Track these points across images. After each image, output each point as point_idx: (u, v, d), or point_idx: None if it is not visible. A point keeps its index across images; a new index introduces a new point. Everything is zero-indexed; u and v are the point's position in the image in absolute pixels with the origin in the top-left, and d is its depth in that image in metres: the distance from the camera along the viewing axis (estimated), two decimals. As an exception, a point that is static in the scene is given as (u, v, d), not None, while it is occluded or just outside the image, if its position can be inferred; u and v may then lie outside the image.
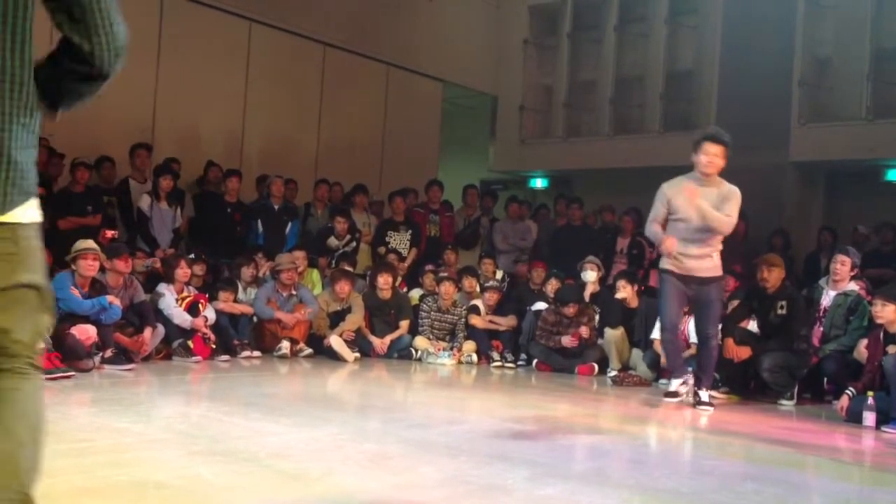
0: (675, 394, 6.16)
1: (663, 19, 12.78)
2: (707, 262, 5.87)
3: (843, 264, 7.08)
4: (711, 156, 5.85)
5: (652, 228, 6.10)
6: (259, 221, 9.33)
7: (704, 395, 6.02)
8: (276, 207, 9.46)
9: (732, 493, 3.56)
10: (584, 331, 8.24)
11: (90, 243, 6.55)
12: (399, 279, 9.30)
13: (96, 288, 6.54)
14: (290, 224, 9.47)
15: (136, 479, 2.99)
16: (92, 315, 6.35)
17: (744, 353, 6.67)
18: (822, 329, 7.05)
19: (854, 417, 5.76)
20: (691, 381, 6.11)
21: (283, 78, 10.97)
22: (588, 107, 13.59)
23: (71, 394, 5.19)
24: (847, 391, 5.95)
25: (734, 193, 5.89)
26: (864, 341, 6.43)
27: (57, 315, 6.10)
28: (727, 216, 5.81)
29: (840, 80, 11.43)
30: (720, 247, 5.92)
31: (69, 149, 8.41)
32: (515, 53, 14.01)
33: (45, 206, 7.91)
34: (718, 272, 5.98)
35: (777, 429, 5.55)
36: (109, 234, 7.82)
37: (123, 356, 6.47)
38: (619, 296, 8.28)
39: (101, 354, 6.33)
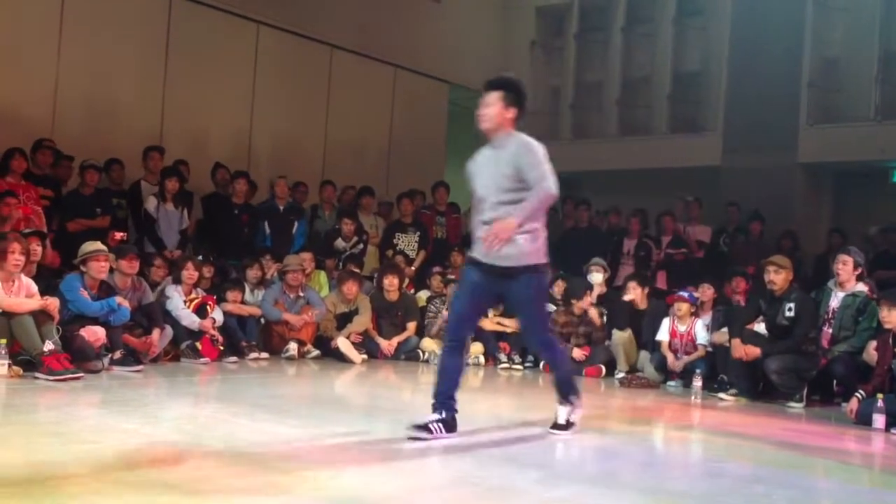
0: (423, 429, 4.19)
1: (670, 20, 12.78)
2: (511, 248, 4.20)
3: (844, 264, 7.05)
4: (482, 107, 4.37)
5: (472, 224, 4.63)
6: (266, 223, 9.35)
7: (562, 413, 4.61)
8: (281, 208, 9.49)
9: (742, 496, 3.54)
10: (595, 315, 8.18)
11: (100, 245, 6.57)
12: (407, 281, 9.30)
13: (105, 290, 6.56)
14: (296, 224, 9.50)
15: (144, 480, 3.00)
16: (101, 317, 6.37)
17: (752, 351, 6.65)
18: (830, 331, 7.02)
19: (864, 420, 5.73)
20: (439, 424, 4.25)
21: (290, 80, 10.99)
22: (595, 108, 13.58)
23: (80, 395, 5.21)
24: (857, 394, 5.93)
25: (527, 151, 4.24)
26: (874, 343, 6.41)
27: (66, 317, 6.13)
28: (538, 187, 4.15)
29: (848, 82, 11.42)
30: (537, 226, 4.29)
31: (78, 151, 8.44)
32: (522, 55, 14.01)
33: (55, 208, 8.03)
34: (527, 260, 4.28)
35: (786, 431, 5.53)
36: (118, 236, 7.84)
37: (132, 357, 6.48)
38: (627, 297, 8.26)
39: (109, 356, 6.35)
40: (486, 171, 4.35)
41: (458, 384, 4.39)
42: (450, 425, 4.27)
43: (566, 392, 4.63)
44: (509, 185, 4.22)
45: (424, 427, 4.18)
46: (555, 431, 4.57)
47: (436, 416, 4.24)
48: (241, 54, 10.50)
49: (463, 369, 4.47)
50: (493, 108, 4.33)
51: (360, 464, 3.65)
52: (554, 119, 14.06)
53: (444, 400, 4.32)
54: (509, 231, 4.09)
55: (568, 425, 4.59)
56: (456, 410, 4.34)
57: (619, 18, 13.28)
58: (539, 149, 4.25)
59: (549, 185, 4.16)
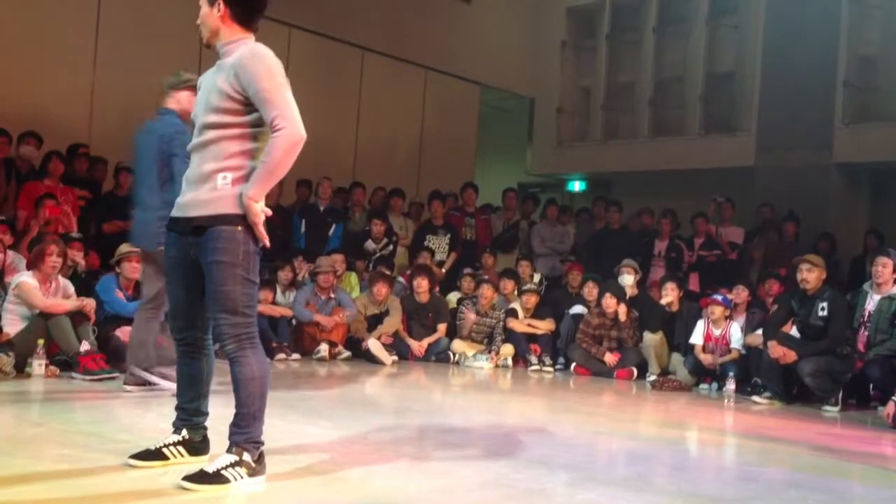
0: (156, 455, 3.30)
1: (704, 19, 12.66)
2: (205, 192, 3.12)
3: (884, 266, 6.95)
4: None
5: None
6: (303, 221, 9.45)
7: (223, 460, 3.09)
8: (321, 208, 9.58)
9: (776, 501, 3.51)
10: (623, 312, 8.11)
11: (133, 246, 6.66)
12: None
13: (140, 290, 6.64)
14: (334, 226, 9.59)
15: (179, 480, 3.03)
16: (136, 317, 6.45)
17: (790, 354, 6.57)
18: (866, 334, 6.91)
19: (901, 424, 5.65)
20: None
21: (322, 82, 11.05)
22: (626, 108, 13.50)
23: (115, 395, 5.27)
24: (893, 398, 5.83)
25: (254, 64, 3.10)
26: (909, 346, 6.31)
27: (102, 317, 6.23)
28: (279, 131, 3.02)
29: (886, 80, 11.23)
30: (247, 162, 3.12)
31: (115, 154, 8.57)
32: (553, 55, 13.97)
33: (92, 209, 8.17)
34: (223, 207, 3.08)
35: (821, 435, 5.46)
36: (151, 237, 7.94)
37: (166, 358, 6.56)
38: (665, 300, 8.19)
39: (144, 356, 6.43)
40: (203, 87, 3.33)
41: (200, 395, 3.35)
42: (195, 448, 3.35)
43: (244, 427, 3.11)
44: (219, 104, 3.12)
45: (157, 453, 3.29)
46: (187, 484, 2.99)
47: (174, 438, 3.33)
48: (274, 57, 10.59)
49: (202, 376, 3.34)
50: (201, 13, 3.28)
51: (390, 465, 3.66)
52: (585, 120, 14.01)
53: (186, 416, 3.36)
54: (257, 214, 3.06)
55: (217, 477, 3.02)
56: (205, 429, 3.39)
57: (651, 18, 13.19)
58: (273, 62, 3.13)
59: (295, 125, 3.04)
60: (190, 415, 3.35)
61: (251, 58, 3.12)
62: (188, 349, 3.32)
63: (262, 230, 3.09)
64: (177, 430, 3.35)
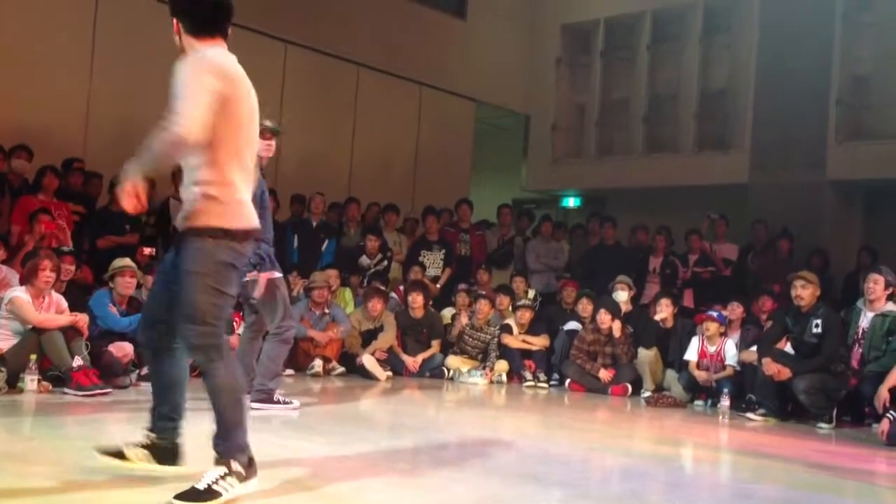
0: (115, 455, 3.31)
1: (697, 37, 12.73)
2: (188, 203, 3.17)
3: (875, 283, 6.97)
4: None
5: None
6: (295, 236, 9.45)
7: (211, 474, 3.03)
8: (313, 224, 9.58)
9: (770, 518, 3.50)
10: (617, 329, 8.11)
11: (127, 261, 6.67)
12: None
13: (134, 306, 6.64)
14: (326, 241, 9.59)
15: (170, 498, 3.01)
16: (129, 332, 6.43)
17: (785, 371, 6.58)
18: (860, 351, 6.92)
19: (895, 441, 5.64)
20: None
21: (317, 98, 11.09)
22: (621, 125, 13.55)
23: (108, 410, 5.26)
24: (888, 415, 5.83)
25: (180, 69, 3.08)
26: (902, 363, 6.31)
27: (95, 332, 6.21)
28: (167, 127, 2.99)
29: (879, 98, 11.29)
30: (223, 178, 3.14)
31: (110, 169, 8.54)
32: (548, 72, 14.03)
33: (85, 224, 8.13)
34: (196, 220, 3.12)
35: (815, 452, 5.46)
36: (147, 251, 7.94)
37: (159, 373, 6.53)
38: (659, 316, 8.19)
39: (137, 371, 6.40)
40: None
41: (172, 401, 3.38)
42: (162, 453, 3.32)
43: (225, 438, 3.09)
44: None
45: (116, 453, 3.27)
46: (178, 503, 2.94)
47: (141, 441, 3.33)
48: (270, 73, 10.60)
49: (176, 381, 3.40)
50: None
51: (384, 481, 3.64)
52: (579, 136, 14.04)
53: (158, 420, 3.38)
54: (128, 182, 2.99)
55: (209, 493, 2.98)
56: (177, 435, 3.37)
57: (645, 36, 13.26)
58: (204, 65, 3.11)
59: (183, 125, 2.95)
60: (159, 419, 3.36)
61: (181, 66, 3.09)
62: (157, 354, 3.36)
63: (124, 201, 3.01)
64: (149, 433, 3.35)
